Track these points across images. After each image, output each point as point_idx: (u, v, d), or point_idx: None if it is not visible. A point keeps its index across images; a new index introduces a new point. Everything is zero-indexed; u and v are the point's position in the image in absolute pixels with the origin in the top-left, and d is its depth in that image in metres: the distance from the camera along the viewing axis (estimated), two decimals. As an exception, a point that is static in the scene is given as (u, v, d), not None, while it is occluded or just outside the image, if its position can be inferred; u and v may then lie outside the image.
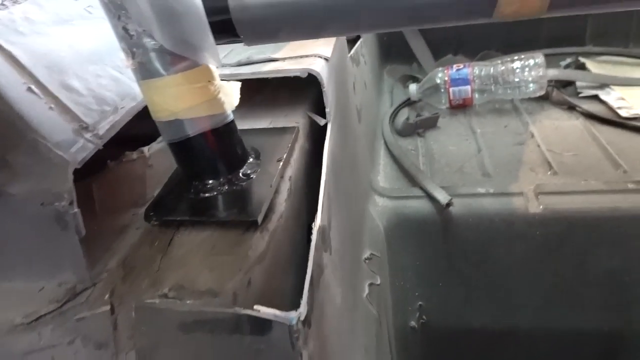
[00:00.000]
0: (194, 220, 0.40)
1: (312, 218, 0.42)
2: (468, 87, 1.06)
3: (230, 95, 0.42)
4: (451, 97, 1.07)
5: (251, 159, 0.45)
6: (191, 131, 0.40)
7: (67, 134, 0.37)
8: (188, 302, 0.34)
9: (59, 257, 0.36)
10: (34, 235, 0.36)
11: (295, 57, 0.54)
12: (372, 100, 1.04)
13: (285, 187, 0.44)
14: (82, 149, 0.37)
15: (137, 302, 0.34)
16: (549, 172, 0.82)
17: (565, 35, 1.26)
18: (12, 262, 0.37)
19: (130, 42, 0.36)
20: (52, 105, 0.38)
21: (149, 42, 0.36)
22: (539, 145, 0.91)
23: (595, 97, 1.06)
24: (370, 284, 0.62)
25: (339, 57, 0.62)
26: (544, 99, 1.08)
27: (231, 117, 0.42)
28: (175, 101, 0.38)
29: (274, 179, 0.42)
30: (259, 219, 0.38)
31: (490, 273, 0.78)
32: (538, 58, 1.02)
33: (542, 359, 0.81)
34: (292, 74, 0.50)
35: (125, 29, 0.36)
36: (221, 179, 0.42)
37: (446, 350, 0.84)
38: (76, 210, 0.35)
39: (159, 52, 0.36)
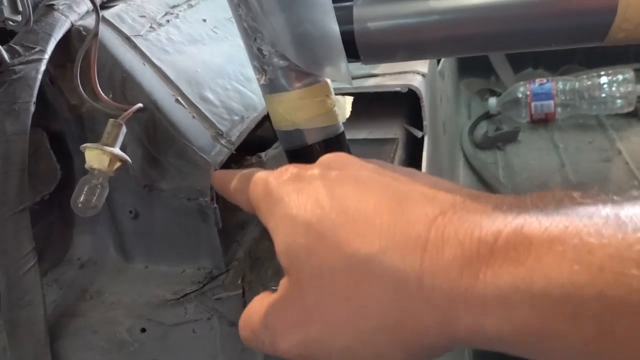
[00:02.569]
0: None
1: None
2: (551, 102, 1.05)
3: (344, 108, 0.46)
4: (532, 111, 1.07)
5: None
6: (309, 140, 0.44)
7: (207, 140, 0.43)
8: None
9: (199, 245, 0.41)
10: (179, 226, 0.42)
11: (394, 73, 0.58)
12: (452, 113, 1.05)
13: None
14: (220, 152, 0.42)
15: (263, 288, 0.39)
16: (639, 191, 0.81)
17: (655, 49, 1.22)
18: (159, 248, 0.43)
19: (262, 61, 0.41)
20: (194, 115, 0.44)
21: (278, 61, 0.41)
22: (627, 163, 0.89)
23: (690, 114, 1.02)
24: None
25: (432, 72, 0.65)
26: (632, 115, 1.05)
27: (342, 128, 0.46)
28: (296, 113, 0.43)
29: None
30: None
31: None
32: (627, 73, 1.00)
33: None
34: (394, 89, 0.54)
35: (259, 50, 0.41)
36: None
37: None
38: (216, 205, 0.40)
39: (286, 70, 0.41)
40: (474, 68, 1.34)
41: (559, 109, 1.06)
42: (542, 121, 1.08)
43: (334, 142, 0.46)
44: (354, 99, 0.58)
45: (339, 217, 0.22)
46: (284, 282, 0.24)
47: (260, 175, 0.29)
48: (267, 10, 0.37)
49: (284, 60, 0.41)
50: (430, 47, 0.39)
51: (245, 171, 0.32)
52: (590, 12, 0.34)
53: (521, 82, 1.09)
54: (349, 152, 0.48)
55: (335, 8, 0.39)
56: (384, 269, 0.20)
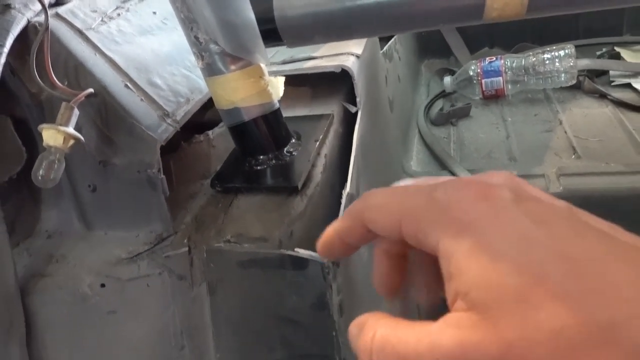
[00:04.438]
0: (249, 187, 0.51)
1: (343, 187, 0.52)
2: (500, 79, 1.12)
3: (277, 87, 0.52)
4: (484, 88, 1.13)
5: (293, 140, 0.55)
6: (246, 117, 0.50)
7: (154, 119, 0.48)
8: (245, 245, 0.44)
9: (150, 211, 0.47)
10: (132, 195, 0.48)
11: (331, 55, 0.64)
12: (406, 92, 1.11)
13: (321, 162, 0.54)
14: (165, 130, 0.48)
15: (207, 246, 0.45)
16: (572, 156, 0.88)
17: (602, 26, 1.28)
18: (116, 216, 0.49)
19: (200, 47, 0.47)
20: (142, 98, 0.49)
21: (213, 47, 0.46)
22: (565, 132, 0.96)
23: (628, 86, 1.09)
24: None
25: (370, 54, 0.71)
26: (577, 88, 1.12)
27: (277, 105, 0.52)
28: (234, 93, 0.49)
29: (312, 154, 0.52)
30: (299, 185, 0.48)
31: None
32: (568, 49, 1.06)
33: None
34: (328, 70, 0.60)
35: (196, 37, 0.46)
36: (269, 155, 0.52)
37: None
38: (162, 176, 0.46)
39: (221, 54, 0.47)
40: (434, 50, 1.40)
41: (508, 85, 1.13)
42: (494, 97, 1.14)
43: (271, 118, 0.52)
44: (296, 79, 0.64)
45: (564, 265, 0.18)
46: (465, 318, 0.20)
47: (419, 185, 0.25)
48: (198, 2, 0.43)
49: (218, 46, 0.47)
50: (341, 30, 0.45)
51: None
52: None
53: (473, 61, 1.16)
54: (284, 126, 0.54)
55: None
56: (630, 338, 0.17)
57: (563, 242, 0.19)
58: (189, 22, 0.46)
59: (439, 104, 1.18)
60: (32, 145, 0.50)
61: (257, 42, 0.45)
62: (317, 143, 0.54)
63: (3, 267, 0.42)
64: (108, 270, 0.45)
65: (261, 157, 0.52)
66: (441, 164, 0.92)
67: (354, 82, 0.59)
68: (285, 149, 0.53)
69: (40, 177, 0.41)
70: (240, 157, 0.54)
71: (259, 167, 0.52)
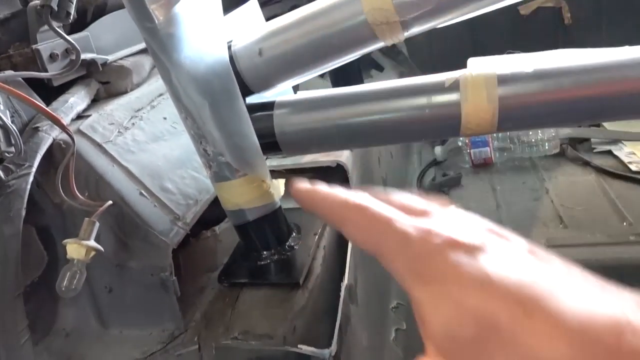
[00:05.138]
0: (254, 283, 0.54)
1: (341, 278, 0.56)
2: (487, 149, 1.18)
3: (278, 188, 0.56)
4: (473, 157, 1.19)
5: (294, 234, 0.59)
6: (250, 217, 0.53)
7: (166, 224, 0.53)
8: (252, 342, 0.47)
9: (162, 311, 0.51)
10: (145, 296, 0.51)
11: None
12: (399, 165, 1.17)
13: (320, 254, 0.58)
14: (177, 234, 0.53)
15: (216, 343, 0.49)
16: (560, 226, 0.92)
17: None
18: (131, 315, 0.52)
19: (208, 158, 0.51)
20: (156, 204, 0.54)
21: (220, 158, 0.50)
22: (552, 201, 1.01)
23: (609, 152, 1.15)
24: (397, 329, 0.74)
25: (363, 143, 0.77)
26: (561, 155, 1.18)
27: (279, 204, 0.56)
28: (239, 196, 0.53)
29: (312, 249, 0.56)
30: (301, 281, 0.52)
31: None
32: (549, 121, 1.13)
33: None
34: (325, 164, 0.65)
35: (205, 150, 0.51)
36: (272, 251, 0.56)
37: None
38: (174, 278, 0.50)
39: (227, 164, 0.51)
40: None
41: (496, 154, 1.19)
42: (482, 165, 1.20)
43: (272, 217, 0.56)
44: (296, 172, 0.70)
45: (516, 310, 0.19)
46: None
47: (395, 217, 0.25)
48: (207, 122, 0.48)
49: (225, 157, 0.51)
50: (335, 143, 0.51)
51: (353, 195, 0.27)
52: (444, 118, 0.45)
53: (461, 132, 1.22)
54: (285, 222, 0.58)
55: (259, 116, 0.51)
56: None
57: (519, 288, 0.20)
58: (199, 137, 0.50)
59: (430, 173, 1.24)
60: (52, 248, 0.55)
61: (260, 161, 0.50)
62: (317, 237, 0.58)
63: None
64: (124, 371, 0.48)
65: (265, 252, 0.56)
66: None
67: (349, 175, 0.64)
68: (287, 243, 0.57)
69: (63, 288, 0.45)
70: (244, 252, 0.58)
71: (262, 262, 0.55)
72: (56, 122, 0.49)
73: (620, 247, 0.82)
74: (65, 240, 0.46)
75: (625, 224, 0.88)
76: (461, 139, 1.20)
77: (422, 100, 0.46)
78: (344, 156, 0.66)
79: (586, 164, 1.12)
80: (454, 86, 0.45)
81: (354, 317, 0.56)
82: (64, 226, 0.53)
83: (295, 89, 0.58)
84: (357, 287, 0.59)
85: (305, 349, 0.46)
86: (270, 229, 0.56)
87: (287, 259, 0.56)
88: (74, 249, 0.46)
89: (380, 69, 1.33)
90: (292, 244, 0.57)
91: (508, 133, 1.15)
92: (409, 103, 0.47)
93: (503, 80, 0.43)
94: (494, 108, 0.44)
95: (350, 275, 0.56)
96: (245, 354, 0.48)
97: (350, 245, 0.58)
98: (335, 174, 0.70)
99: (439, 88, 0.46)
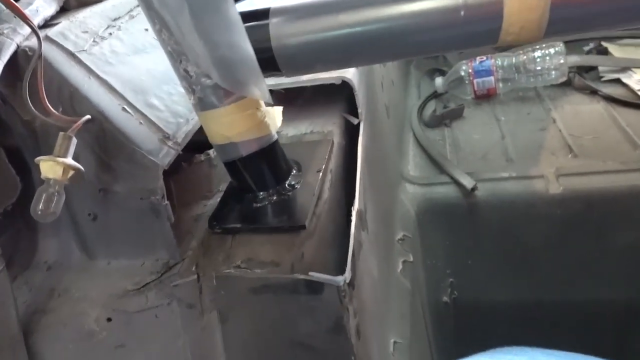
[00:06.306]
0: (251, 228, 0.47)
1: (351, 204, 0.51)
2: (492, 78, 1.11)
3: (274, 118, 0.49)
4: (475, 88, 1.13)
5: (294, 171, 0.52)
6: (243, 152, 0.46)
7: (155, 143, 0.47)
8: (257, 271, 0.43)
9: (154, 239, 0.46)
10: (135, 223, 0.46)
11: (330, 66, 0.62)
12: (399, 95, 1.11)
13: (325, 194, 0.51)
14: (167, 154, 0.47)
15: (216, 272, 0.44)
16: (569, 155, 0.88)
17: (588, 20, 1.29)
18: (119, 245, 0.47)
19: (190, 81, 0.43)
20: (142, 121, 0.48)
21: (205, 80, 0.42)
22: (560, 130, 0.96)
23: (618, 81, 1.09)
24: (404, 261, 0.70)
25: (368, 62, 0.70)
26: (567, 85, 1.12)
27: (276, 137, 0.49)
28: (228, 127, 0.45)
29: (315, 188, 0.49)
30: (306, 223, 0.46)
31: (514, 251, 0.84)
32: (558, 46, 1.07)
33: (564, 329, 0.87)
34: (328, 82, 0.58)
35: (186, 71, 0.42)
36: (270, 191, 0.49)
37: (477, 323, 0.91)
38: (167, 202, 0.45)
39: (214, 88, 0.43)
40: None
41: (500, 84, 1.13)
42: (486, 97, 1.14)
43: (269, 151, 0.48)
44: (293, 92, 0.63)
45: None
46: None
47: None
48: (187, 34, 0.40)
49: (211, 79, 0.43)
50: (345, 57, 0.43)
51: None
52: (482, 19, 0.39)
53: (463, 61, 1.15)
54: (284, 158, 0.51)
55: (252, 26, 0.42)
56: None
57: None
58: (178, 55, 0.42)
59: (431, 105, 1.18)
60: (27, 174, 0.49)
61: (257, 78, 0.41)
62: (320, 174, 0.51)
63: (4, 307, 0.40)
64: (114, 304, 0.43)
65: (261, 193, 0.49)
66: (439, 168, 0.92)
67: (355, 93, 0.58)
68: (287, 182, 0.50)
69: (39, 212, 0.39)
70: (238, 193, 0.51)
71: (259, 205, 0.49)
72: (19, 14, 0.41)
73: (634, 174, 0.78)
74: (39, 158, 0.40)
75: (637, 151, 0.84)
76: (464, 68, 1.14)
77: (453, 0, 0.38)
78: (349, 72, 0.59)
79: (594, 92, 1.07)
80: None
81: (365, 243, 0.51)
82: (38, 147, 0.47)
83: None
84: (366, 212, 0.54)
85: (317, 276, 0.41)
86: (266, 166, 0.49)
87: (287, 199, 0.49)
88: (49, 167, 0.39)
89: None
90: (293, 182, 0.51)
91: (514, 60, 1.08)
92: (438, 3, 0.39)
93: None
94: (544, 5, 0.37)
95: (360, 200, 0.51)
96: (249, 283, 0.43)
97: (359, 169, 0.53)
98: (340, 94, 0.64)
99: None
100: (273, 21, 0.43)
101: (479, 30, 0.39)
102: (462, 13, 0.38)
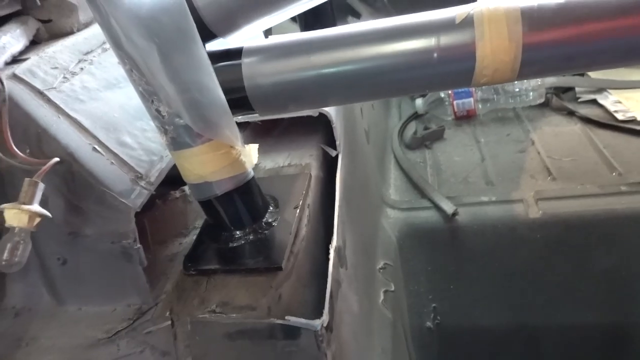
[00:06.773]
0: (227, 270, 0.46)
1: (329, 239, 0.50)
2: (471, 99, 1.12)
3: (250, 155, 0.48)
4: (455, 109, 1.14)
5: (271, 208, 0.51)
6: (218, 190, 0.45)
7: (127, 184, 0.45)
8: (232, 315, 0.42)
9: (126, 284, 0.44)
10: (105, 268, 0.45)
11: (307, 97, 0.62)
12: (380, 117, 1.11)
13: (302, 231, 0.50)
14: (139, 195, 0.45)
15: (191, 318, 0.42)
16: (548, 178, 0.89)
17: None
18: (89, 290, 0.45)
19: (163, 121, 0.41)
20: (113, 161, 0.46)
21: (178, 120, 0.41)
22: (539, 152, 0.97)
23: (594, 102, 1.11)
24: (385, 291, 0.69)
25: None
26: (545, 105, 1.14)
27: (252, 174, 0.48)
28: (202, 167, 0.44)
29: (292, 225, 0.49)
30: (283, 265, 0.45)
31: (496, 275, 0.84)
32: (535, 69, 1.08)
33: (547, 353, 0.87)
34: (305, 114, 0.58)
35: (157, 111, 0.41)
36: (247, 229, 0.48)
37: (461, 347, 0.90)
38: (139, 245, 0.43)
39: (187, 127, 0.41)
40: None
41: (479, 105, 1.14)
42: (466, 117, 1.15)
43: (245, 189, 0.47)
44: (271, 123, 0.62)
45: None
46: None
47: None
48: (157, 74, 0.38)
49: (183, 119, 0.41)
50: (318, 98, 0.43)
51: None
52: (455, 61, 0.38)
53: (443, 82, 1.16)
54: (260, 195, 0.50)
55: (224, 66, 0.41)
56: None
57: None
58: (149, 95, 0.40)
59: (412, 126, 1.18)
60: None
61: (227, 120, 0.41)
62: (297, 210, 0.51)
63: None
64: (84, 354, 0.42)
65: (237, 232, 0.48)
66: (420, 191, 0.92)
67: (333, 126, 0.58)
68: (264, 220, 0.49)
69: (4, 262, 0.38)
70: (213, 232, 0.50)
71: (235, 244, 0.48)
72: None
73: (612, 197, 0.79)
74: (2, 206, 0.38)
75: (614, 174, 0.85)
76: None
77: (427, 42, 0.38)
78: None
79: (571, 113, 1.08)
80: (467, 23, 0.38)
81: (344, 281, 0.50)
82: (3, 190, 0.45)
83: (267, 34, 0.49)
84: (345, 248, 0.53)
85: (293, 320, 0.40)
86: (242, 204, 0.48)
87: (264, 238, 0.48)
88: (13, 215, 0.38)
89: (357, 15, 1.24)
90: (270, 220, 0.50)
91: (492, 82, 1.09)
92: (411, 45, 0.39)
93: (528, 13, 0.36)
94: (517, 48, 0.37)
95: (338, 237, 0.51)
96: (225, 329, 0.42)
97: (337, 204, 0.52)
98: (318, 123, 0.64)
99: (448, 25, 0.38)
100: (245, 61, 0.42)
101: (453, 72, 0.39)
102: (435, 55, 0.38)
